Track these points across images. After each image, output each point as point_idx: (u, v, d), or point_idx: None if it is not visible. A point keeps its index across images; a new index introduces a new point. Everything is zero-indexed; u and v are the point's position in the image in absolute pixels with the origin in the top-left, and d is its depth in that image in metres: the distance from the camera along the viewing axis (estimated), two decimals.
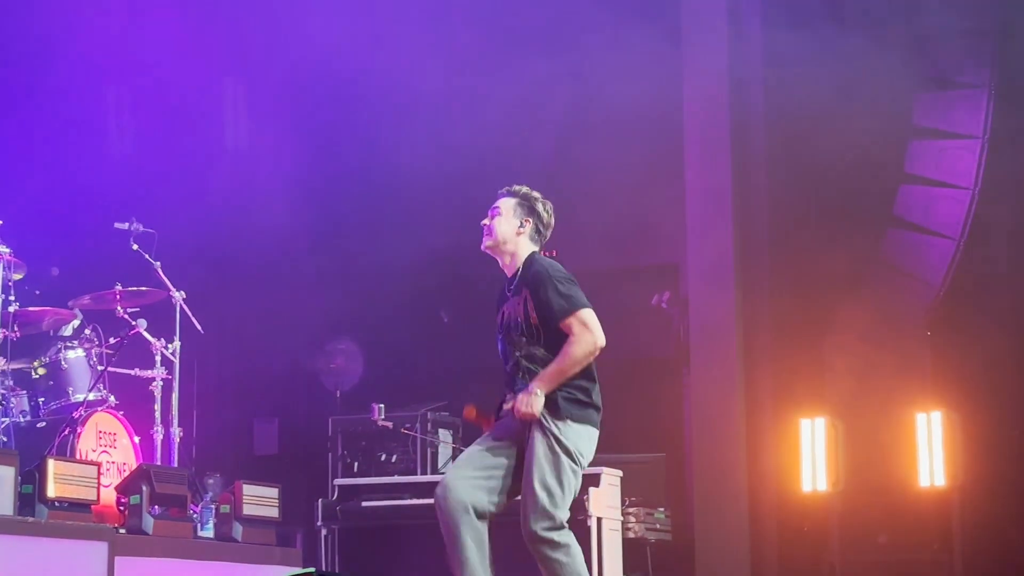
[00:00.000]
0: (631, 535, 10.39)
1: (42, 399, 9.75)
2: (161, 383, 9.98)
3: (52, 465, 8.14)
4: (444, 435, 10.99)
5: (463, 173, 11.68)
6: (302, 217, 12.60)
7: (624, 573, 9.86)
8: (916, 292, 11.51)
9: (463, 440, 11.12)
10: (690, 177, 11.95)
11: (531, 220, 6.87)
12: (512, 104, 11.72)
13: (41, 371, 9.75)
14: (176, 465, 9.79)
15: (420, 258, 12.55)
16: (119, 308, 10.00)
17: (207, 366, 12.11)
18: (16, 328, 9.50)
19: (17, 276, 9.53)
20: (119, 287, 9.96)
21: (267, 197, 12.50)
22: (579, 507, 9.50)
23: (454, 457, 10.99)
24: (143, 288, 10.06)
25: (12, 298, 9.37)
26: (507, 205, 6.88)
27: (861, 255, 11.52)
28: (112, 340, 9.87)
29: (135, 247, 10.02)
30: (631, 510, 10.45)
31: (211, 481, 10.98)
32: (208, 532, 9.52)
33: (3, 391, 9.29)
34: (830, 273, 11.51)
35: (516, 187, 6.92)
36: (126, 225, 10.04)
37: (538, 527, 6.55)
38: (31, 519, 7.83)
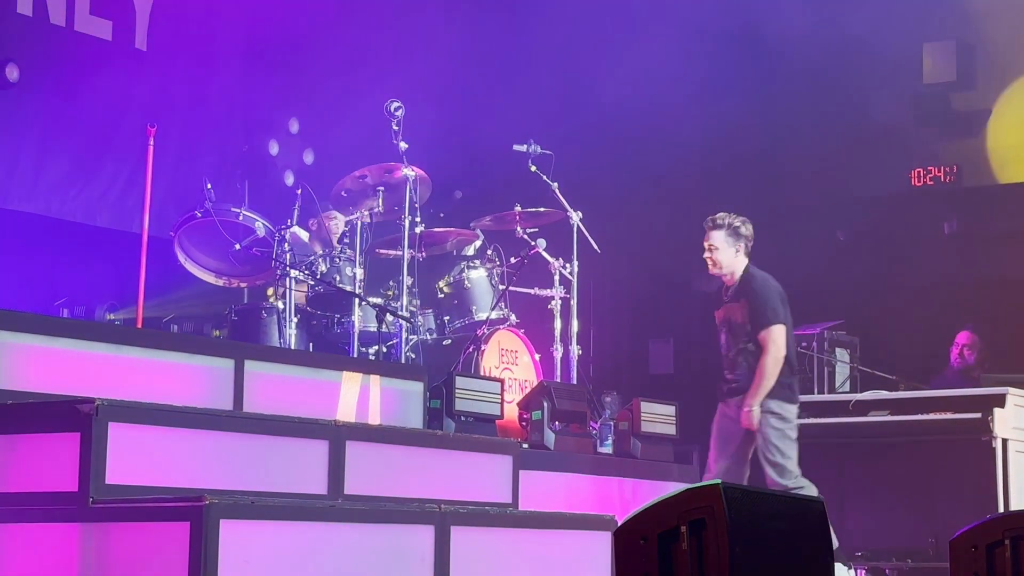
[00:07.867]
0: None
1: (447, 317, 10.08)
2: (559, 302, 10.15)
3: (458, 381, 8.43)
4: (841, 354, 10.84)
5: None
6: (693, 139, 12.57)
7: None
8: None
9: (860, 359, 10.95)
10: None
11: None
12: None
13: (446, 290, 10.08)
14: (575, 382, 9.96)
15: (812, 177, 12.37)
16: (519, 228, 10.22)
17: (603, 286, 12.26)
18: (422, 249, 9.84)
19: (422, 197, 9.85)
20: (518, 208, 10.17)
21: (661, 117, 12.51)
22: (983, 428, 9.30)
23: (852, 376, 10.84)
24: (541, 209, 10.25)
25: (418, 219, 9.68)
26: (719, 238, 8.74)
27: None
28: (512, 260, 10.12)
29: (533, 168, 10.19)
30: None
31: (608, 399, 11.14)
32: (607, 448, 9.66)
33: (411, 310, 9.63)
34: None
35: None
36: (524, 147, 10.22)
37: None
38: (440, 432, 8.08)
